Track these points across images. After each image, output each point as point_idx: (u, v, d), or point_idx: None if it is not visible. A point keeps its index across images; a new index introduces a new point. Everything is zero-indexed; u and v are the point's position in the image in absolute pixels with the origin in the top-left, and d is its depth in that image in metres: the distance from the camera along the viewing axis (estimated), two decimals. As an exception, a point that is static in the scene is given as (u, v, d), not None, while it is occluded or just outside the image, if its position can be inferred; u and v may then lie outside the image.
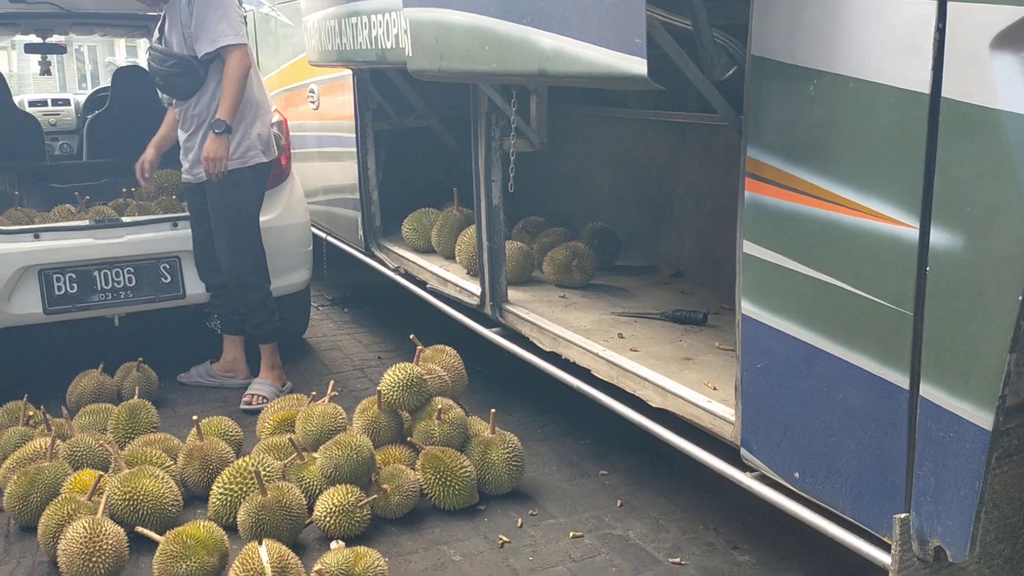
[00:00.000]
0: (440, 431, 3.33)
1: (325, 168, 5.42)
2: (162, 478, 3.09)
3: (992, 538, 2.10)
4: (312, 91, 5.47)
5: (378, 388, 3.43)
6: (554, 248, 4.15)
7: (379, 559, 2.69)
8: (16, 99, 6.53)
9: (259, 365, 4.32)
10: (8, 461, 3.32)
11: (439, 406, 3.36)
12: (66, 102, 7.44)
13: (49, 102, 7.38)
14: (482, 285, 3.80)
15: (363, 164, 4.83)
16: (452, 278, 4.18)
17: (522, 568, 2.89)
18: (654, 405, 2.84)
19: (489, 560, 2.93)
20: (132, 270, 4.28)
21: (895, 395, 1.96)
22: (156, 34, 4.15)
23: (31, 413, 3.67)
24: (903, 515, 1.95)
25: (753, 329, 2.32)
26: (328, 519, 3.00)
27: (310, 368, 4.78)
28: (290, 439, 3.29)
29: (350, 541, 2.91)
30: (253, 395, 4.18)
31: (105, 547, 2.74)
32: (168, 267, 4.34)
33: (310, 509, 3.09)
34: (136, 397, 3.79)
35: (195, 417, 3.41)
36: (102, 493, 3.00)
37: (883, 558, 2.05)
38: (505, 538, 3.05)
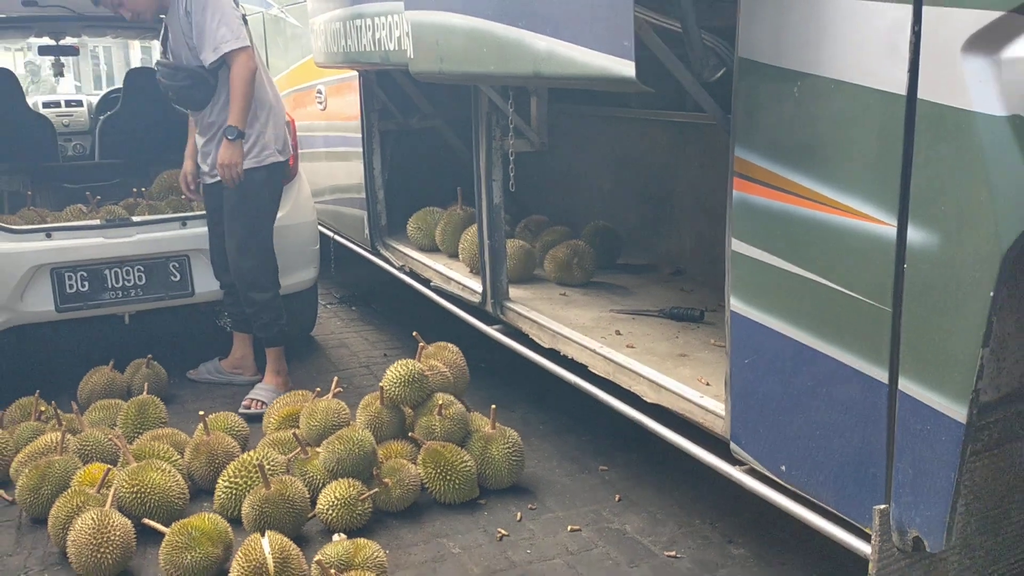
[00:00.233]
0: (441, 426, 3.39)
1: (332, 168, 5.49)
2: (169, 472, 3.16)
3: (973, 530, 2.15)
4: (320, 92, 5.55)
5: (380, 384, 3.49)
6: (555, 246, 4.21)
7: (378, 550, 2.75)
8: (30, 100, 6.63)
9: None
10: (20, 455, 3.40)
11: (440, 402, 3.42)
12: (79, 103, 7.54)
13: (62, 103, 7.47)
14: (483, 283, 3.86)
15: (369, 164, 4.89)
16: (455, 276, 4.24)
17: (520, 560, 2.94)
18: (648, 400, 2.90)
19: (488, 553, 2.99)
20: (142, 269, 4.34)
21: (875, 389, 2.00)
22: (160, 46, 4.16)
23: (43, 409, 3.75)
24: (883, 506, 2.00)
25: (742, 326, 2.37)
26: (330, 512, 3.07)
27: (317, 365, 4.84)
28: (294, 434, 3.36)
29: (352, 534, 2.97)
30: (252, 400, 4.17)
31: (113, 538, 2.82)
32: (177, 266, 4.41)
33: (314, 503, 3.15)
34: (145, 393, 3.86)
35: (201, 412, 3.48)
36: (110, 486, 3.07)
37: (865, 549, 2.09)
38: (504, 531, 3.10)
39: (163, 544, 2.82)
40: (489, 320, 3.93)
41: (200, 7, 3.83)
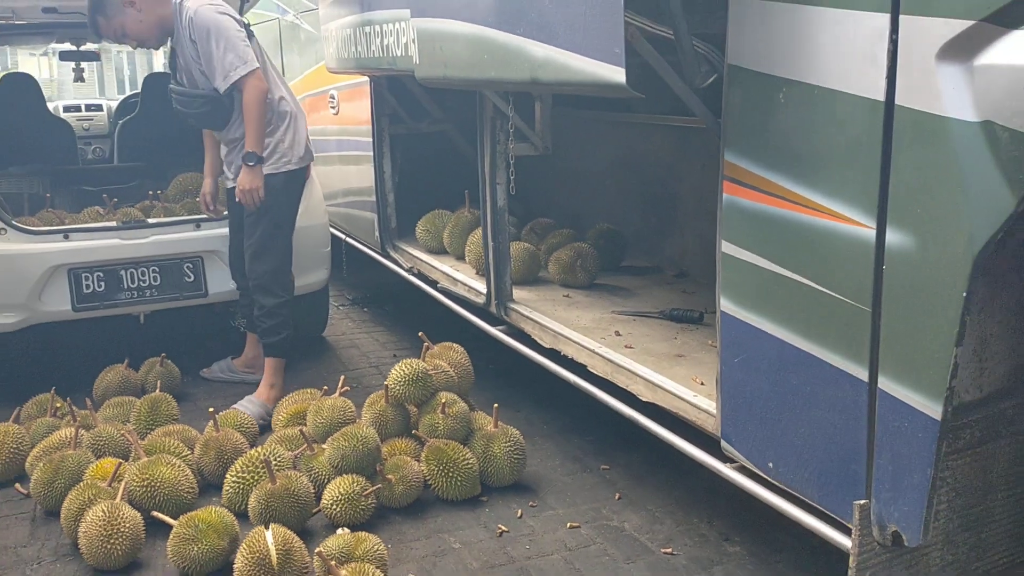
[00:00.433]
0: (444, 424, 3.45)
1: (344, 171, 5.57)
2: (178, 466, 3.24)
3: (956, 527, 2.19)
4: (333, 97, 5.64)
5: (385, 383, 3.56)
6: (560, 249, 4.27)
7: (379, 544, 2.82)
8: (51, 105, 6.76)
9: (292, 357, 4.34)
10: (35, 450, 3.49)
11: (443, 400, 3.48)
12: (99, 107, 7.68)
13: (83, 107, 7.61)
14: (488, 284, 3.93)
15: (379, 167, 4.97)
16: (461, 277, 4.31)
17: (518, 556, 3.00)
18: (644, 399, 2.95)
19: (487, 548, 3.05)
20: (157, 269, 4.42)
21: (856, 387, 2.06)
22: (168, 70, 4.18)
23: (58, 405, 3.85)
24: (862, 501, 2.05)
25: (731, 326, 2.43)
26: (334, 507, 3.14)
27: (327, 365, 4.92)
28: (301, 431, 3.43)
29: (356, 528, 3.02)
30: (238, 413, 3.92)
31: (123, 530, 2.90)
32: (191, 267, 4.49)
33: (319, 498, 3.22)
34: (158, 391, 3.95)
35: (211, 409, 3.57)
36: (121, 480, 3.16)
37: (847, 543, 2.14)
38: (504, 527, 3.16)
39: (171, 536, 2.90)
40: (493, 321, 4.00)
41: (204, 35, 3.84)
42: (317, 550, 2.70)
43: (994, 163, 1.70)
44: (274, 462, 3.20)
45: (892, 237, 1.92)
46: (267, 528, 2.78)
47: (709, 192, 4.15)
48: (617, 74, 2.25)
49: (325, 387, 3.83)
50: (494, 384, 4.40)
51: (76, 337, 5.23)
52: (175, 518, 2.98)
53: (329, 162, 5.74)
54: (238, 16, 4.01)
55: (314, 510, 3.19)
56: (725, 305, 2.44)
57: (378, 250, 5.20)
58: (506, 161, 3.73)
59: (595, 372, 3.23)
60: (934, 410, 1.87)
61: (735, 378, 2.46)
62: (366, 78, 4.94)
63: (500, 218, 3.80)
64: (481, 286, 4.05)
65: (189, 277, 4.48)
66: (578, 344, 3.35)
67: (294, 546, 2.75)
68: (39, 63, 18.07)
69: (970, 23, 1.70)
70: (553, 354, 3.55)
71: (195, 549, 2.85)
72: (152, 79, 6.15)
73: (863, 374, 2.03)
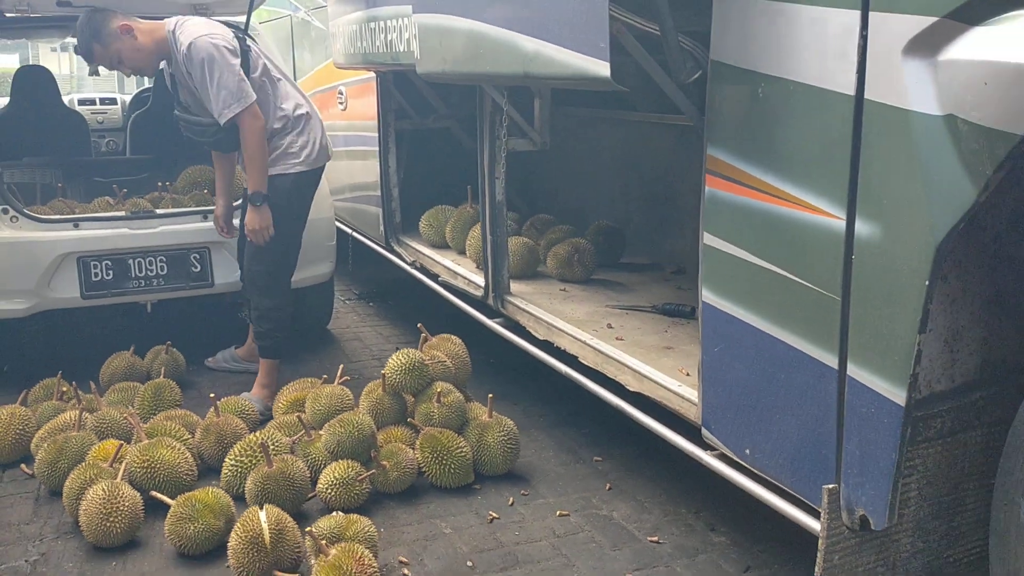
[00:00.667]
0: (439, 413, 3.52)
1: (351, 166, 5.65)
2: (178, 449, 3.32)
3: (926, 514, 2.24)
4: (341, 93, 5.72)
5: (382, 372, 3.63)
6: (558, 244, 4.33)
7: (369, 525, 2.88)
8: (66, 98, 6.87)
9: (295, 348, 4.39)
10: (41, 431, 3.58)
11: (439, 390, 3.55)
12: (113, 101, 7.79)
13: (97, 101, 7.73)
14: (486, 277, 4.00)
15: (385, 163, 5.04)
16: (461, 271, 4.38)
17: (507, 541, 3.06)
18: (631, 389, 3.02)
19: (477, 534, 3.11)
20: (164, 259, 4.49)
21: (826, 375, 2.11)
22: (172, 92, 4.18)
23: (64, 389, 3.94)
24: (831, 486, 2.10)
25: (712, 316, 2.49)
26: (329, 491, 3.21)
27: (330, 356, 4.99)
28: (298, 417, 3.51)
29: (349, 512, 3.08)
30: None
31: (122, 508, 2.98)
32: (198, 257, 4.57)
33: (316, 483, 3.29)
34: (162, 377, 4.03)
35: (212, 395, 3.65)
36: (122, 461, 3.24)
37: (818, 528, 2.19)
38: (495, 514, 3.22)
39: (168, 515, 2.98)
40: (491, 314, 4.07)
41: (198, 69, 3.78)
42: (308, 529, 2.77)
43: (956, 155, 1.75)
44: (272, 447, 3.27)
45: (860, 228, 1.97)
46: (261, 508, 2.85)
47: (706, 189, 4.21)
48: (602, 68, 2.32)
49: (324, 376, 3.90)
50: (494, 378, 4.46)
51: (84, 324, 5.33)
52: (173, 499, 3.05)
53: (336, 157, 5.79)
54: (232, 40, 3.87)
55: (310, 494, 3.26)
56: (706, 296, 2.50)
57: (382, 244, 5.28)
58: (505, 156, 3.79)
59: (585, 363, 3.29)
60: (899, 396, 1.92)
61: (715, 367, 2.51)
62: (373, 74, 5.01)
63: (498, 212, 3.86)
64: (480, 279, 4.12)
65: (196, 267, 4.56)
66: (571, 336, 3.42)
67: (287, 526, 2.82)
68: (59, 59, 18.28)
69: (934, 19, 1.76)
70: (547, 346, 3.61)
71: (191, 528, 2.92)
72: (164, 74, 6.23)
73: (833, 361, 2.08)
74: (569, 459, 3.68)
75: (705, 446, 2.65)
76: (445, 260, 4.59)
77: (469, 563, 2.92)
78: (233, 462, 3.33)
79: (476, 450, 3.45)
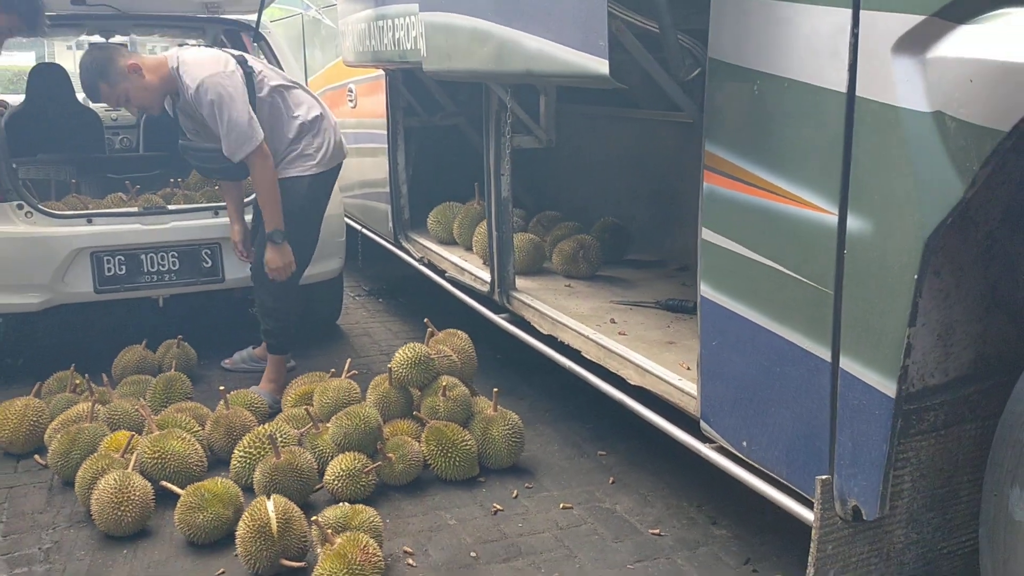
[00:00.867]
0: (444, 407, 3.57)
1: (361, 163, 5.70)
2: (189, 440, 3.38)
3: (920, 506, 2.27)
4: (351, 90, 5.77)
5: (389, 365, 3.68)
6: (563, 240, 4.37)
7: (374, 515, 2.93)
8: (80, 96, 6.94)
9: (305, 343, 4.41)
10: (54, 423, 3.65)
11: (444, 383, 3.60)
12: (127, 99, 7.86)
13: (112, 98, 7.79)
14: (492, 273, 4.04)
15: (393, 160, 5.09)
16: (468, 267, 4.42)
17: (511, 533, 3.11)
18: (632, 383, 3.05)
19: (481, 525, 3.16)
20: (176, 254, 4.55)
21: (820, 367, 2.15)
22: (176, 118, 4.20)
23: (77, 381, 4.01)
24: (824, 477, 2.14)
25: (710, 310, 2.53)
26: (336, 482, 3.26)
27: (340, 351, 5.04)
28: (306, 410, 3.56)
29: (356, 504, 3.14)
30: None
31: (133, 498, 3.04)
32: (209, 252, 4.62)
33: (323, 475, 3.34)
34: (173, 370, 4.10)
35: (222, 388, 3.71)
36: (134, 451, 3.30)
37: (812, 518, 2.23)
38: (499, 506, 3.27)
39: (178, 504, 3.04)
40: (497, 309, 4.11)
41: (207, 107, 3.80)
42: (314, 518, 2.82)
43: (944, 151, 1.79)
44: (280, 439, 3.33)
45: (852, 223, 2.01)
46: (268, 498, 2.90)
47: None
48: (602, 66, 2.36)
49: (332, 370, 3.95)
50: (500, 373, 4.50)
51: (97, 318, 5.39)
52: (183, 489, 3.11)
53: (347, 154, 5.87)
54: (235, 70, 3.88)
55: (317, 486, 3.31)
56: (705, 291, 2.54)
57: (391, 240, 5.33)
58: (511, 153, 3.83)
59: (588, 357, 3.33)
60: (889, 388, 1.96)
61: (713, 361, 2.55)
62: (382, 72, 5.06)
63: (504, 209, 3.90)
64: (486, 275, 4.16)
65: (207, 263, 4.61)
66: (574, 331, 3.46)
67: (294, 515, 2.87)
68: (74, 57, 18.38)
69: (922, 18, 1.79)
70: (552, 341, 3.65)
71: (200, 517, 2.98)
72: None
73: (826, 354, 2.12)
74: (573, 453, 3.72)
75: (704, 439, 2.68)
76: (452, 256, 4.64)
77: (473, 554, 2.96)
78: (242, 453, 3.39)
79: (481, 443, 3.49)
